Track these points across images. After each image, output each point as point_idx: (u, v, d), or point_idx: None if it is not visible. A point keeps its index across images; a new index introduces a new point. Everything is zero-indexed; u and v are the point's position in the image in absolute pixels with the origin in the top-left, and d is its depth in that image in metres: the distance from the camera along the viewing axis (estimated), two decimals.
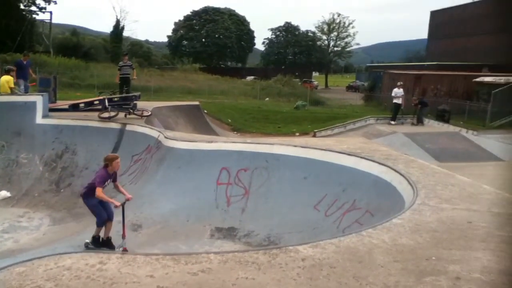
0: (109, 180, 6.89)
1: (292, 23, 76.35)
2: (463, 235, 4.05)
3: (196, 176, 8.83)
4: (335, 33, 72.90)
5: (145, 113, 13.55)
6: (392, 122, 20.66)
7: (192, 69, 50.65)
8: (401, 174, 6.45)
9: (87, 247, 6.98)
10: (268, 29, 76.76)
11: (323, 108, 29.79)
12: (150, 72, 41.05)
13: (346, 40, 73.45)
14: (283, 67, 67.21)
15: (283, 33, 74.94)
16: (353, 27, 72.58)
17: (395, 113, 20.86)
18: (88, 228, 8.35)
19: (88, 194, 6.84)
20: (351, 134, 19.27)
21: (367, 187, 7.06)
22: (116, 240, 7.07)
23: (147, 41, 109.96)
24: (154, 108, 15.25)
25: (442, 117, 22.21)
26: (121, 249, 6.71)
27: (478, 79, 27.70)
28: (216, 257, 3.40)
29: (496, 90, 24.12)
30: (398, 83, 21.23)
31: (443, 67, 38.73)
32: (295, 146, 8.93)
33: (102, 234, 7.07)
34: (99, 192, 6.56)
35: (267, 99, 33.35)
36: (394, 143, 15.51)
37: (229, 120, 22.87)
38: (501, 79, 25.83)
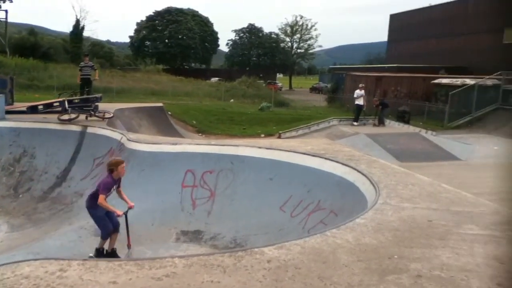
0: (114, 187, 6.44)
1: (256, 24, 76.60)
2: (423, 233, 4.16)
3: (160, 179, 8.72)
4: (298, 35, 73.73)
5: (107, 115, 13.27)
6: (355, 123, 21.05)
7: (155, 70, 49.93)
8: (363, 175, 6.58)
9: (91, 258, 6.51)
10: (232, 31, 76.62)
11: (287, 110, 30.03)
12: (112, 73, 40.22)
13: (309, 42, 74.47)
14: (247, 68, 67.29)
15: (247, 34, 75.04)
16: (315, 30, 73.66)
17: (357, 114, 21.27)
18: (49, 234, 8.11)
19: (94, 204, 6.32)
20: (315, 135, 19.51)
21: (331, 188, 7.16)
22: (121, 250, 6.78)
23: (108, 42, 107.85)
24: (117, 110, 14.96)
25: (403, 118, 22.82)
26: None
27: (436, 81, 28.65)
28: (181, 261, 3.36)
29: (453, 91, 25.01)
30: (360, 85, 21.66)
31: (403, 69, 39.82)
32: (260, 147, 8.96)
33: (106, 246, 6.63)
34: (101, 199, 6.12)
35: (232, 100, 33.34)
36: (357, 144, 15.79)
37: (194, 122, 22.71)
38: (457, 80, 26.81)
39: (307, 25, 72.87)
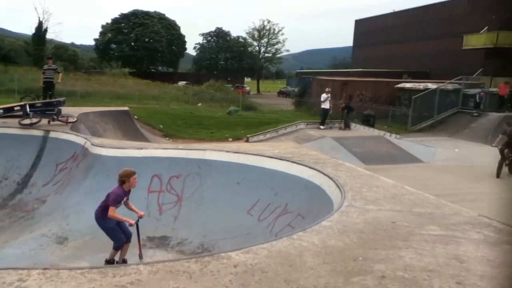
0: (125, 199, 6.20)
1: (223, 28, 76.46)
2: (387, 235, 4.25)
3: None
4: (266, 40, 74.17)
5: (70, 119, 12.97)
6: (321, 127, 21.31)
7: (121, 74, 49.17)
8: (329, 178, 6.67)
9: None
10: (199, 34, 76.14)
11: (255, 114, 30.13)
12: (76, 76, 39.34)
13: (276, 46, 75.04)
14: (215, 72, 67.17)
15: (215, 38, 74.84)
16: (282, 34, 74.30)
17: (323, 118, 21.53)
18: (8, 242, 7.83)
19: (104, 215, 6.08)
20: (283, 139, 19.63)
21: (298, 191, 7.22)
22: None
23: (72, 44, 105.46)
24: (81, 114, 14.65)
25: (368, 121, 23.28)
26: None
27: (399, 85, 29.39)
28: (146, 268, 3.31)
29: (416, 95, 25.71)
30: (326, 89, 21.96)
31: (368, 73, 40.64)
32: (227, 151, 8.95)
33: (116, 257, 6.41)
34: (112, 212, 5.89)
35: (200, 104, 33.17)
36: (324, 147, 15.99)
37: (161, 126, 22.47)
38: (420, 85, 27.59)
39: (274, 29, 73.49)
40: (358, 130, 21.59)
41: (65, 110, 13.55)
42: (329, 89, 22.11)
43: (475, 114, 24.35)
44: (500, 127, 22.02)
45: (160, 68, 72.24)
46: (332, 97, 21.96)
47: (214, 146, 10.77)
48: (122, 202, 6.16)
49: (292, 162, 7.87)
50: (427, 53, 45.15)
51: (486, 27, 36.69)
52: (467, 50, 37.55)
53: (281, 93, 60.45)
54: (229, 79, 60.98)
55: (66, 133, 11.35)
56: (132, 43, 64.56)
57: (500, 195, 12.08)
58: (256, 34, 73.72)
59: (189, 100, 33.91)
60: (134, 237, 6.36)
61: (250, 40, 75.27)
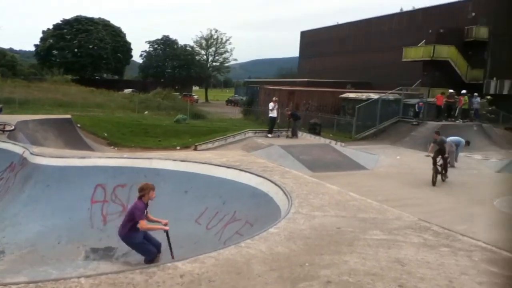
0: (146, 211, 6.30)
1: (170, 36, 75.64)
2: (333, 240, 4.34)
3: (67, 194, 8.24)
4: (213, 49, 74.23)
5: (8, 128, 12.37)
6: (269, 135, 21.53)
7: (64, 81, 47.26)
8: (277, 185, 6.74)
9: None
10: (146, 42, 74.91)
11: (203, 122, 29.98)
12: (15, 83, 37.54)
13: (224, 55, 75.24)
14: (162, 80, 66.23)
15: (161, 46, 73.89)
16: (230, 43, 74.65)
17: (271, 126, 21.78)
18: None
19: (131, 233, 6.22)
20: (231, 147, 19.65)
21: (246, 199, 7.25)
22: None
23: (11, 50, 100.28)
24: (19, 122, 13.98)
25: (314, 130, 23.77)
26: None
27: (343, 95, 30.32)
28: (88, 281, 3.19)
29: (359, 105, 26.59)
30: (273, 98, 22.25)
31: (314, 83, 41.63)
32: (174, 160, 8.84)
33: None
34: (143, 224, 6.08)
35: (146, 112, 32.57)
36: (272, 155, 16.16)
37: (105, 134, 21.85)
38: (363, 95, 28.58)
39: (221, 39, 73.70)
40: (305, 138, 21.99)
41: (2, 118, 12.92)
42: (276, 98, 22.40)
43: (414, 123, 25.49)
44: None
45: (105, 75, 70.34)
46: (279, 106, 22.26)
47: (161, 154, 10.60)
48: (146, 213, 6.34)
49: (240, 170, 7.89)
50: (370, 64, 46.93)
51: (424, 41, 38.69)
52: (406, 62, 39.39)
53: (230, 102, 60.64)
54: (176, 87, 60.38)
55: (3, 142, 10.81)
56: (75, 50, 62.49)
57: (439, 199, 12.71)
58: (203, 43, 73.62)
59: (135, 108, 33.21)
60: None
61: (197, 48, 75.06)
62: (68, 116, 20.02)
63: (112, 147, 20.32)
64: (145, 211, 6.33)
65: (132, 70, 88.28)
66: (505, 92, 35.16)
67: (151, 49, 74.12)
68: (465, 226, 9.38)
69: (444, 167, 14.88)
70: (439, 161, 14.56)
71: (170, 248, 6.50)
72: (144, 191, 6.32)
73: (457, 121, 25.86)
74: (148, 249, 6.44)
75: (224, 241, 6.53)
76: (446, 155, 14.90)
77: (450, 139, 18.23)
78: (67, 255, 7.33)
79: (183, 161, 8.70)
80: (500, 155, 21.59)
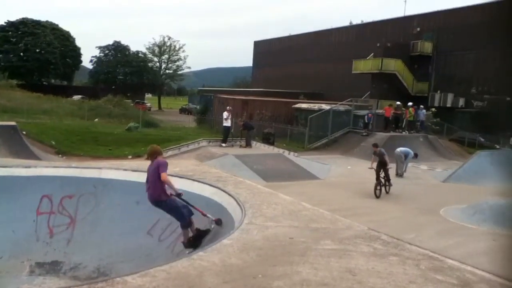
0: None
1: (122, 42, 73.96)
2: (285, 251, 4.37)
3: (10, 206, 7.84)
4: (167, 56, 73.46)
5: None
6: (223, 145, 21.47)
7: (8, 86, 45.16)
8: (230, 195, 6.73)
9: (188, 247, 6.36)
10: (96, 47, 72.81)
11: (156, 130, 29.49)
12: None
13: (177, 63, 74.63)
14: (113, 87, 64.62)
15: (112, 52, 72.15)
16: (183, 51, 74.18)
17: (225, 136, 21.75)
18: None
19: (162, 194, 6.36)
20: (185, 156, 19.43)
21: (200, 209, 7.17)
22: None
23: None
24: None
25: (268, 139, 23.96)
26: (213, 223, 6.44)
27: (296, 106, 30.80)
28: None
29: (312, 115, 27.09)
30: (228, 108, 22.26)
31: (267, 93, 42.02)
32: (125, 169, 8.65)
33: (190, 234, 6.46)
34: (165, 176, 6.26)
35: (97, 120, 31.68)
36: (226, 165, 16.10)
37: (53, 143, 21.03)
38: (315, 105, 29.18)
39: (175, 46, 73.12)
40: (259, 148, 22.10)
41: None
42: (230, 108, 22.43)
43: (364, 134, 26.24)
44: (385, 146, 24.00)
45: (53, 80, 67.88)
46: (234, 116, 22.29)
47: (111, 164, 10.32)
48: None
49: (194, 180, 7.82)
50: (322, 75, 47.99)
51: (372, 54, 40.07)
52: (356, 74, 40.58)
53: (183, 110, 60.12)
54: (128, 94, 59.19)
55: None
56: (21, 53, 59.93)
57: (388, 208, 13.10)
58: (156, 50, 72.72)
59: (85, 115, 32.23)
60: None
61: (150, 55, 74.01)
62: (13, 123, 19.12)
63: (60, 156, 19.58)
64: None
65: (81, 76, 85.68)
66: (448, 104, 36.94)
67: (102, 54, 72.25)
68: (413, 235, 9.72)
69: (387, 178, 14.90)
70: (382, 173, 14.71)
71: (196, 208, 6.61)
72: (158, 153, 6.75)
73: (404, 132, 26.86)
74: (183, 213, 6.43)
75: (177, 253, 6.43)
76: (389, 166, 15.03)
77: (399, 150, 18.91)
78: (10, 270, 6.98)
79: (134, 171, 8.52)
80: (445, 165, 22.61)
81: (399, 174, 18.66)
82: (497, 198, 12.74)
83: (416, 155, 19.57)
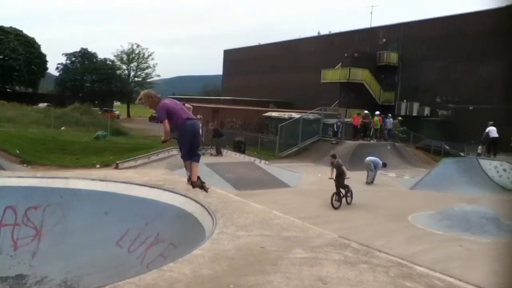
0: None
1: (89, 49, 72.61)
2: (257, 260, 4.36)
3: None
4: (135, 64, 72.72)
5: None
6: None
7: None
8: (201, 205, 6.67)
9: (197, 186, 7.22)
10: (63, 54, 71.14)
11: (126, 139, 29.05)
12: None
13: (146, 71, 74.00)
14: (80, 94, 63.34)
15: (79, 59, 70.75)
16: (152, 59, 73.64)
17: None
18: None
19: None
20: (155, 165, 19.21)
21: (170, 219, 7.08)
22: None
23: None
24: None
25: (239, 148, 23.99)
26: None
27: (267, 114, 30.98)
28: None
29: (282, 124, 27.29)
30: (198, 116, 22.13)
31: (238, 101, 42.14)
32: (93, 179, 8.46)
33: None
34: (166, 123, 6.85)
35: (63, 128, 30.97)
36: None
37: (17, 152, 20.41)
38: (285, 114, 29.43)
39: (143, 54, 72.53)
40: (230, 156, 22.08)
41: None
42: (200, 116, 22.35)
43: (333, 142, 26.62)
44: (354, 154, 24.40)
45: (17, 88, 66.02)
46: (204, 124, 22.21)
47: (79, 173, 10.10)
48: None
49: (164, 189, 7.72)
50: (292, 84, 48.50)
51: (340, 64, 40.80)
52: (325, 83, 41.20)
53: (153, 118, 59.36)
54: (96, 102, 58.17)
55: None
56: None
57: (358, 216, 13.28)
58: (125, 57, 71.91)
59: (51, 124, 31.45)
60: None
61: (118, 63, 73.07)
62: None
63: (25, 165, 19.01)
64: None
65: (47, 83, 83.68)
66: (414, 113, 37.95)
67: (69, 61, 70.78)
68: (383, 242, 9.89)
69: (347, 189, 14.68)
70: (340, 184, 14.48)
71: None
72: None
73: (372, 141, 27.39)
74: (185, 145, 7.22)
75: (147, 264, 6.32)
76: (347, 177, 14.71)
77: (368, 159, 19.27)
78: None
79: (102, 180, 8.35)
80: (412, 172, 23.17)
81: (368, 182, 19.01)
82: (463, 205, 13.11)
83: (384, 165, 19.98)
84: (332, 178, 14.63)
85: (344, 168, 14.74)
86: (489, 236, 11.38)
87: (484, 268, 9.08)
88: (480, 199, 16.15)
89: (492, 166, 20.86)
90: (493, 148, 22.22)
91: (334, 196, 14.20)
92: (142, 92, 7.21)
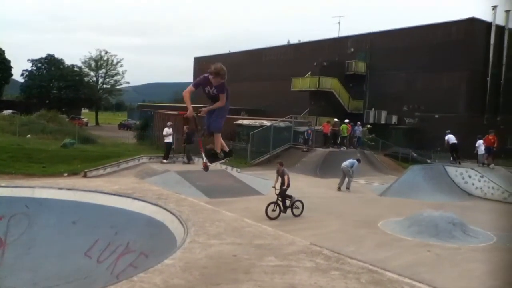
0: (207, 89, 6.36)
1: (56, 56, 70.77)
2: (229, 268, 4.34)
3: None
4: (104, 70, 71.64)
5: None
6: (165, 161, 21.14)
7: None
8: (172, 213, 6.60)
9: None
10: (28, 60, 69.19)
11: (94, 146, 28.46)
12: None
13: (115, 78, 72.99)
14: (47, 101, 61.74)
15: (46, 65, 68.96)
16: (122, 66, 72.73)
17: (167, 152, 21.42)
18: None
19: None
20: (125, 173, 18.91)
21: (141, 228, 6.97)
22: None
23: None
24: None
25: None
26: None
27: (238, 122, 31.00)
28: None
29: (253, 131, 27.35)
30: (168, 123, 22.00)
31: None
32: (60, 188, 8.25)
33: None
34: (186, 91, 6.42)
35: (29, 136, 30.11)
36: (168, 181, 15.83)
37: None
38: (256, 122, 29.54)
39: (112, 60, 71.54)
40: (201, 164, 21.88)
41: None
42: (171, 123, 22.18)
43: (304, 150, 26.85)
44: (325, 162, 24.68)
45: None
46: (175, 131, 22.04)
47: (45, 182, 9.83)
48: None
49: (133, 198, 7.60)
50: (263, 92, 48.74)
51: (310, 72, 41.33)
52: (295, 92, 41.60)
53: (122, 126, 58.60)
54: (63, 109, 56.92)
55: None
56: None
57: (329, 222, 13.39)
58: (93, 64, 70.72)
59: (16, 131, 30.53)
60: None
61: (86, 69, 71.77)
62: None
63: None
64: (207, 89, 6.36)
65: (12, 90, 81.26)
66: (382, 121, 38.75)
67: (34, 68, 68.98)
68: (354, 248, 10.02)
69: (283, 198, 13.66)
70: (280, 193, 13.63)
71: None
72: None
73: (342, 148, 27.79)
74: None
75: (117, 275, 6.20)
76: (284, 186, 13.65)
77: (344, 164, 19.55)
78: None
79: (70, 189, 8.16)
80: (381, 179, 23.59)
81: (346, 187, 19.34)
82: (431, 211, 13.42)
83: (359, 160, 20.39)
84: (274, 187, 13.94)
85: (287, 177, 13.73)
86: (456, 241, 11.69)
87: (451, 272, 9.32)
88: (447, 205, 16.59)
89: (458, 172, 21.48)
90: (455, 154, 22.98)
91: (271, 205, 13.26)
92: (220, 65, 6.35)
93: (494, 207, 18.30)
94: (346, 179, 19.44)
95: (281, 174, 13.99)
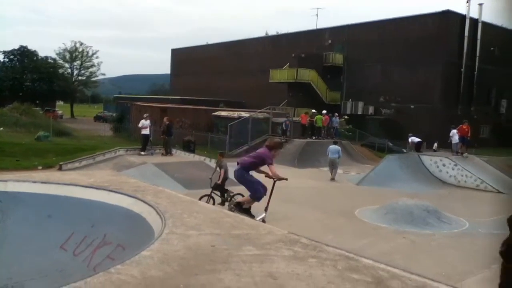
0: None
1: (29, 47, 69.08)
2: (207, 259, 4.34)
3: None
4: (79, 62, 70.30)
5: None
6: (142, 153, 20.92)
7: None
8: (150, 205, 6.55)
9: (231, 209, 7.36)
10: (0, 52, 67.48)
11: (69, 139, 28.02)
12: None
13: (91, 70, 71.77)
14: (20, 94, 60.29)
15: (19, 57, 67.30)
16: (97, 57, 71.51)
17: (144, 144, 21.21)
18: None
19: (245, 173, 7.53)
20: (101, 166, 18.64)
21: (118, 221, 6.90)
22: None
23: None
24: None
25: (188, 147, 23.73)
26: (261, 220, 7.13)
27: (216, 113, 30.91)
28: None
29: (231, 123, 27.32)
30: (145, 115, 21.77)
31: (187, 101, 41.73)
32: (34, 182, 8.09)
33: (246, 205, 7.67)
34: (274, 168, 7.54)
35: (1, 129, 29.45)
36: (146, 174, 15.70)
37: None
38: (234, 113, 29.50)
39: (87, 52, 70.26)
40: (180, 155, 21.80)
41: None
42: (148, 115, 21.96)
43: (283, 141, 26.93)
44: (303, 152, 24.85)
45: None
46: (152, 123, 21.83)
47: (19, 176, 9.62)
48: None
49: (110, 191, 7.51)
50: (241, 84, 48.64)
51: (288, 64, 41.41)
52: (273, 83, 41.64)
53: (98, 118, 57.76)
54: (37, 102, 55.70)
55: None
56: None
57: (307, 211, 13.51)
58: (67, 55, 69.29)
59: None
60: None
61: (61, 61, 70.29)
62: None
63: None
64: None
65: None
66: (359, 112, 39.19)
67: (7, 59, 67.26)
68: (331, 236, 10.14)
69: (222, 192, 12.91)
70: (214, 187, 12.95)
71: (270, 197, 7.95)
72: (276, 149, 7.73)
73: (317, 138, 28.07)
74: (259, 189, 7.61)
75: (94, 267, 6.13)
76: (219, 181, 12.98)
77: (331, 153, 19.82)
78: None
79: (44, 183, 8.00)
80: (358, 169, 23.89)
81: (332, 177, 19.62)
82: (406, 199, 13.66)
83: (336, 143, 20.83)
84: (210, 178, 13.29)
85: (222, 172, 12.97)
86: (430, 228, 11.95)
87: (426, 258, 9.53)
88: (422, 193, 16.92)
89: (432, 161, 21.91)
90: (420, 150, 24.48)
91: (204, 198, 12.08)
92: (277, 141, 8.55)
93: (467, 194, 18.77)
94: (334, 170, 19.78)
95: (221, 166, 13.28)
